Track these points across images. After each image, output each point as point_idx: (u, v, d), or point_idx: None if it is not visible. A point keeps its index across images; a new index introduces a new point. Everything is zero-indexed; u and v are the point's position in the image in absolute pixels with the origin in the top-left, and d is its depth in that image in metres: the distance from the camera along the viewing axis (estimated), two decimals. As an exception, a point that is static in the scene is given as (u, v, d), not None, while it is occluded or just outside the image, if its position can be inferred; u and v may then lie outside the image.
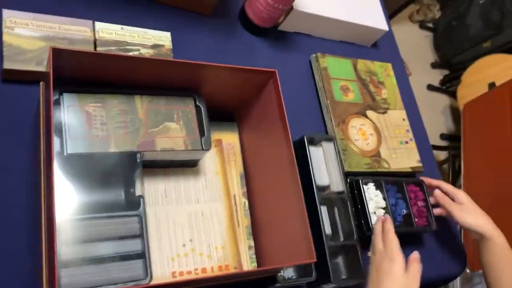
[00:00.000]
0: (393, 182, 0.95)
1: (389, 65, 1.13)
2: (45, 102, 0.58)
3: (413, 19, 2.93)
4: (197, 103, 0.71)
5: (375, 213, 0.89)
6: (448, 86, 2.76)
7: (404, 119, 1.07)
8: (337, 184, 0.85)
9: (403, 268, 0.73)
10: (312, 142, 0.87)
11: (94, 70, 0.62)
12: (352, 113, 0.99)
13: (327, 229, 0.82)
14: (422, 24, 2.94)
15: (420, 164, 1.03)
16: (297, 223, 0.66)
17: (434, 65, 2.85)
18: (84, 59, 0.59)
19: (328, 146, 0.88)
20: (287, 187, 0.68)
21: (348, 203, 0.84)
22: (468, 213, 0.89)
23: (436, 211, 0.95)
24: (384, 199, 0.91)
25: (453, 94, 2.70)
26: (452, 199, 0.92)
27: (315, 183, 0.81)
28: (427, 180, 0.98)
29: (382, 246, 0.77)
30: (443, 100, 2.77)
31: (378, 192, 0.91)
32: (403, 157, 1.02)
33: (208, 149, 0.69)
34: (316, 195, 0.80)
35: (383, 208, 0.90)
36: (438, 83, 2.79)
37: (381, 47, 1.21)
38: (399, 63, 1.21)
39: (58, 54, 0.55)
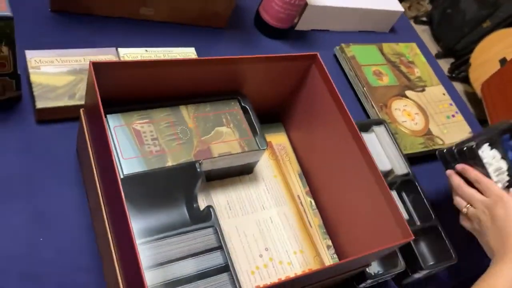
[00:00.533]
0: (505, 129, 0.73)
1: (414, 45, 1.10)
2: (96, 123, 0.54)
3: (406, 16, 2.94)
4: (243, 104, 0.67)
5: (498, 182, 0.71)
6: (458, 73, 2.73)
7: (444, 94, 1.03)
8: (400, 167, 0.80)
9: None
10: (363, 129, 0.82)
11: (133, 85, 0.58)
12: (392, 96, 0.95)
13: (403, 214, 0.75)
14: (417, 20, 2.94)
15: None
16: (380, 207, 0.60)
17: (438, 56, 2.82)
18: (123, 70, 0.55)
19: (380, 130, 0.83)
20: (358, 172, 0.63)
21: (417, 184, 0.78)
22: None
23: None
24: (504, 158, 0.71)
25: (464, 80, 2.66)
26: None
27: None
28: None
29: (479, 194, 0.68)
30: (456, 87, 2.71)
31: (495, 151, 0.71)
32: (454, 131, 0.97)
33: (265, 148, 0.65)
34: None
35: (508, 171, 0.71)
36: (447, 72, 2.75)
37: (398, 31, 1.18)
38: (421, 43, 1.17)
39: (98, 68, 0.52)
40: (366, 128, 0.82)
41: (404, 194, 0.79)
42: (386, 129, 0.83)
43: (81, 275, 0.58)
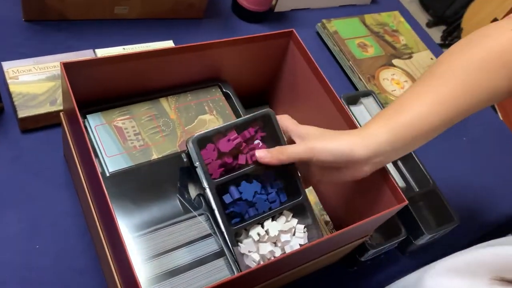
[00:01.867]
0: None
1: (397, 13, 1.08)
2: (74, 124, 0.54)
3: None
4: (224, 90, 0.66)
5: None
6: (451, 40, 2.70)
7: (432, 58, 1.01)
8: None
9: None
10: (351, 102, 0.81)
11: (110, 82, 0.58)
12: (379, 66, 0.94)
13: (400, 182, 0.75)
14: (404, -9, 2.91)
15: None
16: (371, 177, 0.60)
17: (429, 25, 2.80)
18: (96, 67, 0.54)
19: (369, 101, 0.82)
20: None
21: (412, 152, 0.77)
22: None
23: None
24: None
25: (458, 45, 2.63)
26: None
27: None
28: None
29: None
30: (451, 54, 2.69)
31: None
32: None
33: (251, 131, 0.64)
34: None
35: None
36: (440, 40, 2.72)
37: (380, 1, 1.17)
38: (405, 11, 1.15)
39: (70, 69, 0.51)
40: (354, 101, 0.82)
41: (399, 162, 0.78)
42: (375, 100, 0.82)
43: (81, 278, 0.58)
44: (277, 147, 0.54)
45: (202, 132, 0.52)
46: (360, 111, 0.80)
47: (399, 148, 0.52)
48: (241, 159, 0.54)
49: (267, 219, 0.54)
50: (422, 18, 2.84)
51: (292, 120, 0.57)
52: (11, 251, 0.58)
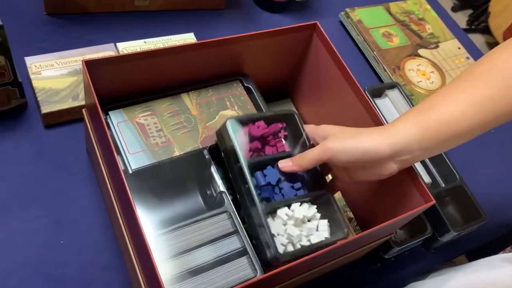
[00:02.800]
0: None
1: (423, 0, 1.05)
2: (96, 121, 0.54)
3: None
4: (245, 84, 0.65)
5: None
6: (477, 25, 2.61)
7: (459, 48, 0.98)
8: None
9: None
10: (375, 94, 0.79)
11: (131, 78, 0.57)
12: (405, 57, 0.91)
13: (425, 178, 0.73)
14: (428, -26, 2.82)
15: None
16: (397, 174, 0.58)
17: (454, 9, 2.71)
18: (118, 65, 0.54)
19: (394, 94, 0.80)
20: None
21: None
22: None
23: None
24: None
25: (484, 31, 2.55)
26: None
27: None
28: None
29: None
30: (477, 39, 2.62)
31: None
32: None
33: (273, 127, 0.63)
34: None
35: None
36: (466, 24, 2.64)
37: (406, -12, 1.13)
38: (431, -3, 1.12)
39: (91, 66, 0.51)
40: (378, 93, 0.79)
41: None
42: (401, 92, 0.80)
43: (105, 274, 0.59)
44: (298, 154, 0.55)
45: (237, 116, 0.55)
46: (385, 104, 0.78)
47: (426, 148, 0.50)
48: (268, 150, 0.57)
49: (295, 203, 0.55)
50: (447, 2, 2.76)
51: (311, 125, 0.57)
52: (35, 246, 0.58)
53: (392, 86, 0.80)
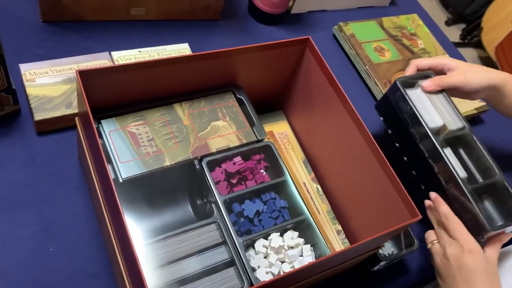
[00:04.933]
0: None
1: (415, 16, 1.07)
2: (88, 130, 0.54)
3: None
4: (238, 95, 0.66)
5: None
6: (470, 39, 2.65)
7: (450, 63, 1.00)
8: (454, 121, 0.71)
9: (485, 256, 0.60)
10: (407, 85, 0.73)
11: (125, 88, 0.58)
12: (396, 71, 0.92)
13: (460, 172, 0.66)
14: (423, -12, 2.86)
15: (483, 103, 0.95)
16: (384, 188, 0.59)
17: (448, 23, 2.75)
18: (111, 75, 0.55)
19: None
20: (360, 154, 0.62)
21: (475, 138, 0.69)
22: (471, 72, 0.73)
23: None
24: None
25: (477, 45, 2.59)
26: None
27: (427, 128, 0.68)
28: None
29: (447, 235, 0.62)
30: (470, 53, 2.65)
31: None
32: (464, 100, 0.93)
33: (263, 138, 0.64)
34: (434, 139, 0.67)
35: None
36: (459, 38, 2.68)
37: (399, 3, 1.15)
38: (424, 13, 1.14)
39: (85, 76, 0.52)
40: (411, 84, 0.73)
41: (461, 150, 0.71)
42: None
43: (93, 281, 0.59)
44: (437, 77, 0.72)
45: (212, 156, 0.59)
46: (417, 95, 0.73)
47: None
48: (250, 184, 0.62)
49: (274, 233, 0.57)
50: (441, 16, 2.80)
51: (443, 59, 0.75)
52: (25, 252, 0.59)
53: (426, 76, 0.75)
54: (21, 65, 0.69)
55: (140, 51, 0.77)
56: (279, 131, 0.75)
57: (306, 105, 0.72)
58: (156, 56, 0.78)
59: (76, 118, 0.60)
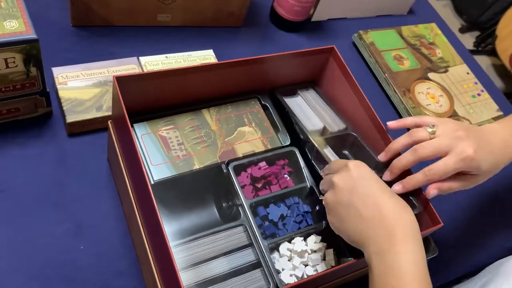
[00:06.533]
0: None
1: (434, 25, 1.08)
2: (123, 133, 0.57)
3: (426, -7, 2.86)
4: (263, 102, 0.68)
5: None
6: (484, 46, 2.65)
7: (468, 73, 1.01)
8: (335, 123, 0.69)
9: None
10: (287, 94, 0.71)
11: (156, 94, 0.60)
12: (415, 80, 0.94)
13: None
14: (437, -5, 2.87)
15: (501, 112, 0.96)
16: (406, 196, 0.60)
17: (462, 30, 2.75)
18: (145, 81, 0.57)
19: (309, 94, 0.73)
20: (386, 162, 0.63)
21: (358, 137, 0.67)
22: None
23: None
24: None
25: (491, 53, 2.58)
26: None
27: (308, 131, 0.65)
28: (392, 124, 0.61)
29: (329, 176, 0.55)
30: (484, 61, 2.65)
31: None
32: (481, 110, 0.95)
33: (288, 144, 0.65)
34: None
35: None
36: (472, 46, 2.68)
37: (417, 11, 1.16)
38: (442, 22, 1.15)
39: (121, 82, 0.54)
40: (291, 93, 0.71)
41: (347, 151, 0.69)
42: (315, 90, 0.73)
43: (121, 279, 0.61)
44: (427, 168, 0.55)
45: (239, 160, 0.62)
46: (297, 102, 0.70)
47: None
48: (274, 188, 0.63)
49: (297, 237, 0.59)
50: (455, 23, 2.80)
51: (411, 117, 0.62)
52: (56, 250, 0.61)
53: (305, 87, 0.72)
54: (53, 68, 0.72)
55: (167, 57, 0.80)
56: (300, 137, 0.76)
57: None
58: (182, 62, 0.80)
59: (109, 122, 0.62)
